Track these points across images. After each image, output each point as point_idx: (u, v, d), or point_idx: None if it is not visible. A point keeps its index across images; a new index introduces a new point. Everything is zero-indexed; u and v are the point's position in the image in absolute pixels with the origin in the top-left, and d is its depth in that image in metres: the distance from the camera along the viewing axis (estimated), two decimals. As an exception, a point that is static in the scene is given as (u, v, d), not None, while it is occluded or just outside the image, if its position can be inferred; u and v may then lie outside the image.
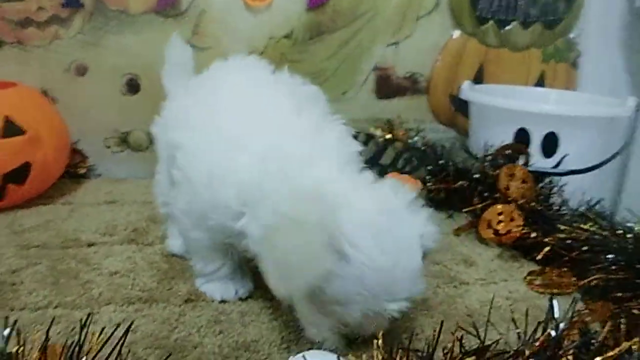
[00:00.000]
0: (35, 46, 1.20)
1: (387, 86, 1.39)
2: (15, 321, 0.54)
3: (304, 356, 0.53)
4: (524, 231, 0.94)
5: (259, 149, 0.63)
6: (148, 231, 0.97)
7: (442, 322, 0.59)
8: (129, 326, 0.56)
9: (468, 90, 1.22)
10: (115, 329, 0.56)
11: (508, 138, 1.12)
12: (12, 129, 0.98)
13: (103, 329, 0.50)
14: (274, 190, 0.59)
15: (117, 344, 0.48)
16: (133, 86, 1.25)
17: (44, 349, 0.50)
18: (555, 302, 0.58)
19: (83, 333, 0.50)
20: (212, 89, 0.76)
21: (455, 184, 1.09)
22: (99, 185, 1.22)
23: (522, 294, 0.82)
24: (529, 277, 0.86)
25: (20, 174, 1.01)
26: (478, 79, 1.39)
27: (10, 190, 1.00)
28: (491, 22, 1.35)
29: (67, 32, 1.20)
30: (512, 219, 0.96)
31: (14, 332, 0.51)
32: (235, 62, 0.83)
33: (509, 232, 0.95)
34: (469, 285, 0.84)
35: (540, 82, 1.41)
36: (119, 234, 0.96)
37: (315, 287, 0.54)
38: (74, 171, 1.25)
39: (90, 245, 0.92)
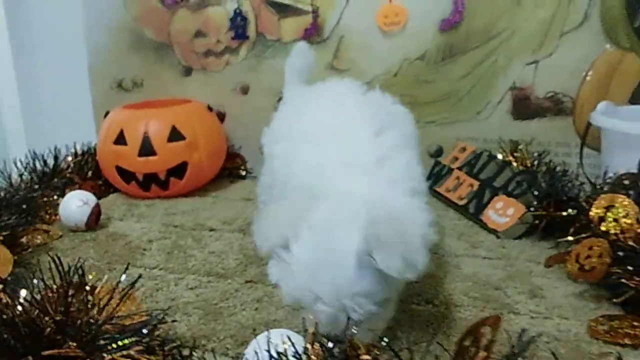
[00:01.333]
0: (214, 71, 1.51)
1: (526, 107, 1.33)
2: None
3: (268, 331, 0.63)
4: (612, 270, 0.84)
5: (314, 161, 0.73)
6: (259, 225, 1.16)
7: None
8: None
9: (599, 114, 1.10)
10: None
11: (632, 166, 0.99)
12: (175, 135, 1.28)
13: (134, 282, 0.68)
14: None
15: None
16: (284, 103, 1.47)
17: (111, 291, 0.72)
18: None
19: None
20: (302, 109, 0.90)
21: (557, 211, 1.01)
22: (248, 185, 1.46)
23: (571, 336, 0.75)
24: (594, 321, 0.78)
25: (179, 170, 1.30)
26: (636, 99, 1.23)
27: (172, 182, 1.31)
28: (653, 35, 1.19)
29: (236, 59, 1.48)
30: (600, 255, 0.86)
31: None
32: (329, 85, 0.95)
33: (593, 268, 0.86)
34: (517, 315, 0.80)
35: None
36: (236, 224, 1.17)
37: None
38: (236, 172, 1.52)
39: (210, 230, 1.14)
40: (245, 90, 1.50)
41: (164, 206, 1.29)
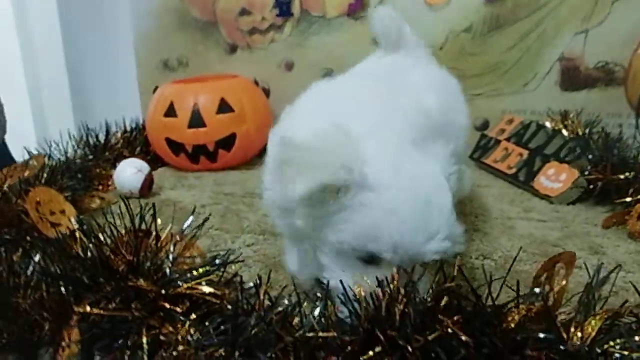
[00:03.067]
0: (258, 48, 1.53)
1: (575, 77, 1.31)
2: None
3: None
4: (676, 226, 0.82)
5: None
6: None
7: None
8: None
9: (656, 77, 1.08)
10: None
11: (694, 127, 0.96)
12: (224, 107, 1.30)
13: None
14: None
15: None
16: (328, 79, 1.47)
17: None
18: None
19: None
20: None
21: (613, 175, 1.00)
22: (292, 160, 1.48)
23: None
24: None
25: (228, 142, 1.32)
26: (692, 67, 1.20)
27: (221, 154, 1.33)
28: None
29: (280, 36, 1.50)
30: (663, 213, 0.85)
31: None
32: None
33: (656, 226, 0.84)
34: (580, 269, 0.79)
35: None
36: (285, 192, 1.18)
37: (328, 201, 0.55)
38: (279, 149, 1.54)
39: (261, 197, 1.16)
40: (290, 67, 1.51)
41: (212, 177, 1.31)
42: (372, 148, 0.56)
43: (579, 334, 0.53)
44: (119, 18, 1.66)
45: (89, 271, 0.65)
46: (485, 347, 0.50)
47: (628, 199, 0.92)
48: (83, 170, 1.18)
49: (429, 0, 1.35)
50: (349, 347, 0.50)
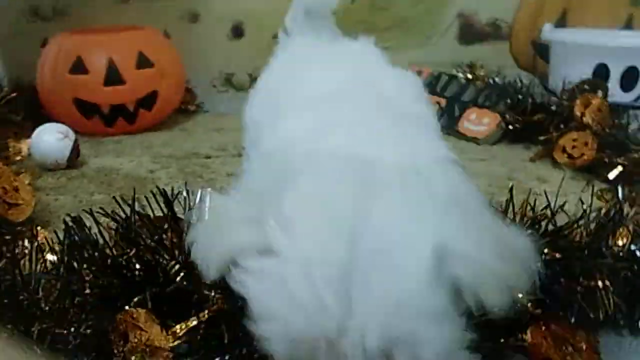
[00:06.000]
0: (156, -3, 1.38)
1: (471, 32, 1.46)
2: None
3: None
4: (597, 155, 1.00)
5: None
6: (254, 150, 1.13)
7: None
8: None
9: (548, 32, 1.27)
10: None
11: (587, 74, 1.16)
12: (144, 62, 1.16)
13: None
14: None
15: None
16: (238, 31, 1.41)
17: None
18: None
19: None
20: None
21: (532, 117, 1.16)
22: (207, 118, 1.39)
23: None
24: (599, 192, 0.93)
25: (149, 100, 1.19)
26: (561, 25, 1.42)
27: (141, 115, 1.20)
28: (575, -35, 1.38)
29: (183, -17, 1.38)
30: (585, 144, 1.02)
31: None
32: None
33: (582, 155, 1.02)
34: (540, 195, 0.92)
35: (628, 27, 1.41)
36: (230, 150, 1.12)
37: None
38: (185, 107, 1.43)
39: (207, 157, 1.09)
40: (194, 19, 1.40)
41: (136, 141, 1.18)
42: None
43: (617, 242, 0.64)
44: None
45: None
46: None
47: (549, 136, 1.09)
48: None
49: (341, -47, 1.36)
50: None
